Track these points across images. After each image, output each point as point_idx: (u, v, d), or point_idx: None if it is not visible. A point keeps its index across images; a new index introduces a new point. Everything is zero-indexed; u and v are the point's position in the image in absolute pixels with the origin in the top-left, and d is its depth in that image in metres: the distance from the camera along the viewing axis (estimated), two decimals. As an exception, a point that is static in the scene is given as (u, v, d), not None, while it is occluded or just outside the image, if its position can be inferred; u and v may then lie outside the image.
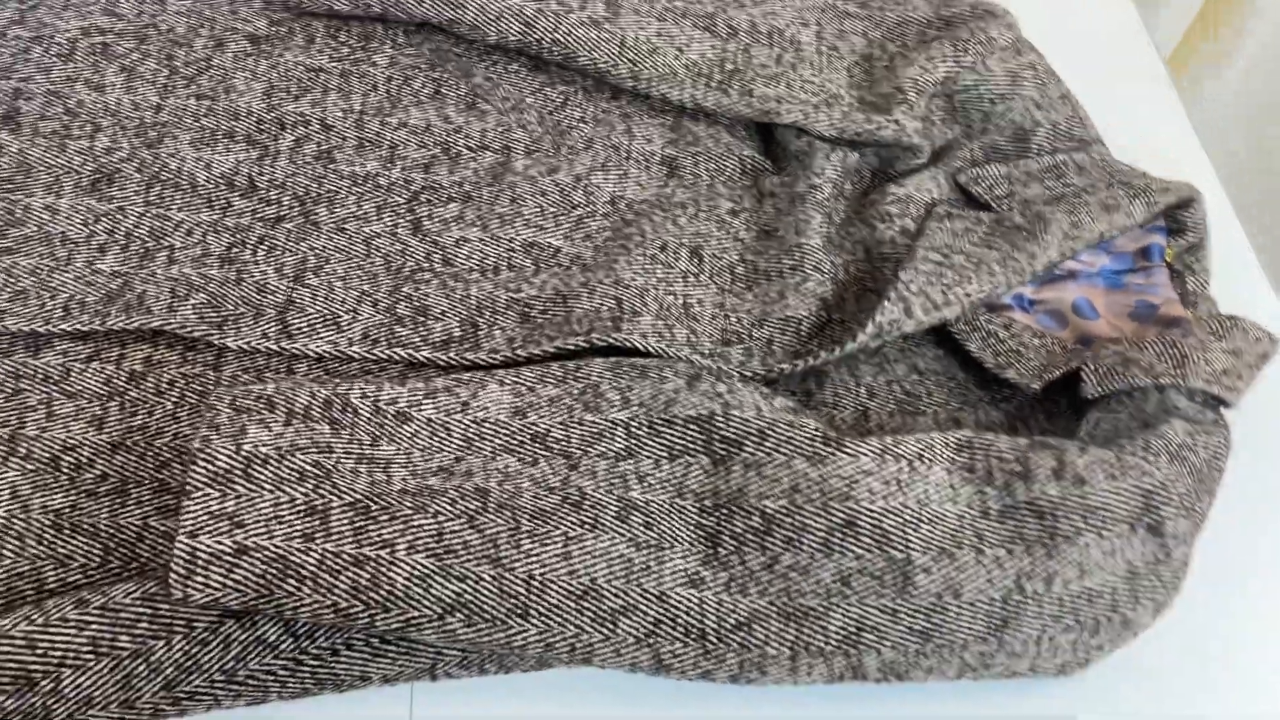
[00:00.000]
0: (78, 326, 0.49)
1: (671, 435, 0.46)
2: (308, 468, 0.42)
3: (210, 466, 0.41)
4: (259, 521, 0.40)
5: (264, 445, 0.42)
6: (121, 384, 0.48)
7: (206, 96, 0.58)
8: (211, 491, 0.41)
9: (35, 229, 0.52)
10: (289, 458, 0.42)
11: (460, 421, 0.46)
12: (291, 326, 0.50)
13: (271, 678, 0.42)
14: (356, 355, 0.50)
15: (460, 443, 0.45)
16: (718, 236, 0.57)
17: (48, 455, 0.46)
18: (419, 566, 0.41)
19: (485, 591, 0.41)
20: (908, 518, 0.44)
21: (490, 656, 0.44)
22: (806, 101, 0.60)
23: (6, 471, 0.45)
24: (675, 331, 0.52)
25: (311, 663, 0.42)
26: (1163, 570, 0.46)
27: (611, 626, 0.42)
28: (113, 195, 0.54)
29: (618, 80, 0.61)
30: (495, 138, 0.60)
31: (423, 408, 0.46)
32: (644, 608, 0.42)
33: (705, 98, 0.60)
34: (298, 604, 0.40)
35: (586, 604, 0.42)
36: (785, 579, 0.43)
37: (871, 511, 0.44)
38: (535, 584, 0.41)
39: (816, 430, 0.46)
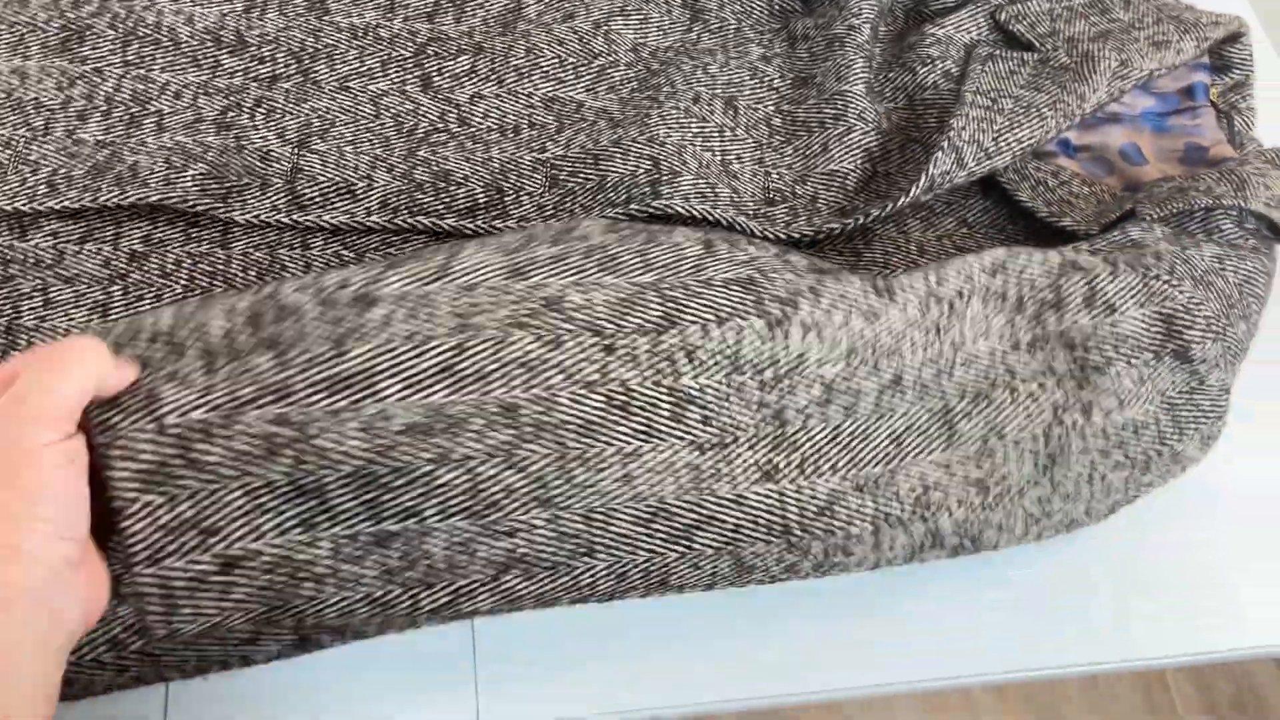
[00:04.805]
0: (66, 204, 0.44)
1: (714, 297, 0.38)
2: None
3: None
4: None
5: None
6: (122, 266, 0.44)
7: (178, -61, 0.52)
8: None
9: (3, 96, 0.47)
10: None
11: (445, 290, 0.35)
12: (303, 197, 0.46)
13: None
14: (376, 225, 0.46)
15: (453, 321, 0.34)
16: (750, 85, 0.53)
17: (51, 347, 0.42)
18: (458, 533, 0.35)
19: (541, 539, 0.35)
20: (943, 366, 0.42)
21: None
22: (838, -67, 0.55)
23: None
24: (719, 191, 0.48)
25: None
26: (1200, 399, 0.45)
27: (687, 543, 0.37)
28: (85, 55, 0.48)
29: (632, -87, 0.55)
30: (503, -20, 0.55)
31: (389, 282, 0.35)
32: (722, 515, 0.37)
33: (728, -69, 0.55)
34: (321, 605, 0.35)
35: (658, 526, 0.37)
36: (848, 449, 0.40)
37: (913, 366, 0.41)
38: (597, 519, 0.36)
39: (866, 283, 0.41)
